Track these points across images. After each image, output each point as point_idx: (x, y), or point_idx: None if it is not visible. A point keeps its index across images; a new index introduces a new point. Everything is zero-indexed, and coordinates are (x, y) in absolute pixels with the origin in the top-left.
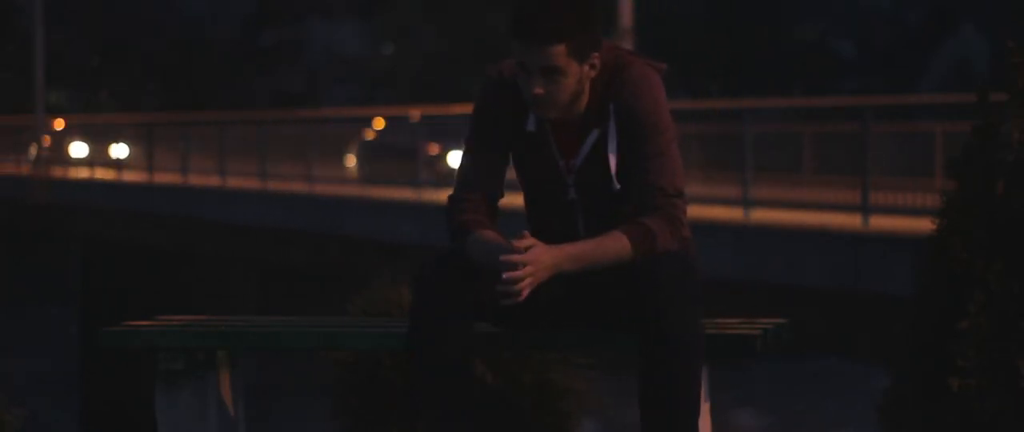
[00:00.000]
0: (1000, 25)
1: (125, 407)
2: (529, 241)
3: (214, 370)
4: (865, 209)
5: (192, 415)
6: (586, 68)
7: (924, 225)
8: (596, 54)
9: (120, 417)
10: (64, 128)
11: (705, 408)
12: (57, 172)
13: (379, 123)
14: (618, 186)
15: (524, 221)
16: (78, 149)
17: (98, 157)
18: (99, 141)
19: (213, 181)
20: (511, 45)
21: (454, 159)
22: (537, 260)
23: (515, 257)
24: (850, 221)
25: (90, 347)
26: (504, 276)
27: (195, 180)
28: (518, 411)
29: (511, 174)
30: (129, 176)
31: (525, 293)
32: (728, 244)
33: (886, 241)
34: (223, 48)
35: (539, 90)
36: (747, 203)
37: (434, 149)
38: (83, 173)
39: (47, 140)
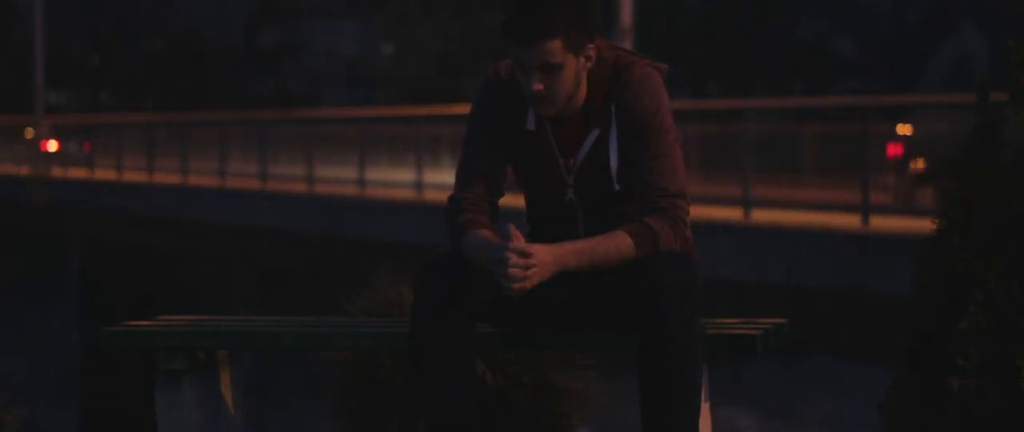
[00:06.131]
0: (1000, 24)
1: (125, 407)
2: (520, 242)
3: (214, 370)
4: (865, 209)
5: (192, 415)
6: (582, 60)
7: (924, 225)
8: (591, 45)
9: (120, 417)
10: None
11: (705, 408)
12: (57, 172)
13: (29, 132)
14: (618, 186)
15: (524, 221)
16: None
17: None
18: None
19: (213, 181)
20: (507, 46)
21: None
22: (539, 256)
23: (516, 256)
24: (850, 221)
25: (90, 347)
26: (509, 271)
27: (195, 180)
28: (518, 411)
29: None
30: (129, 176)
31: (528, 286)
32: (728, 244)
33: (886, 241)
34: (223, 48)
35: (538, 86)
36: (747, 203)
37: (53, 145)
38: (83, 173)
39: None
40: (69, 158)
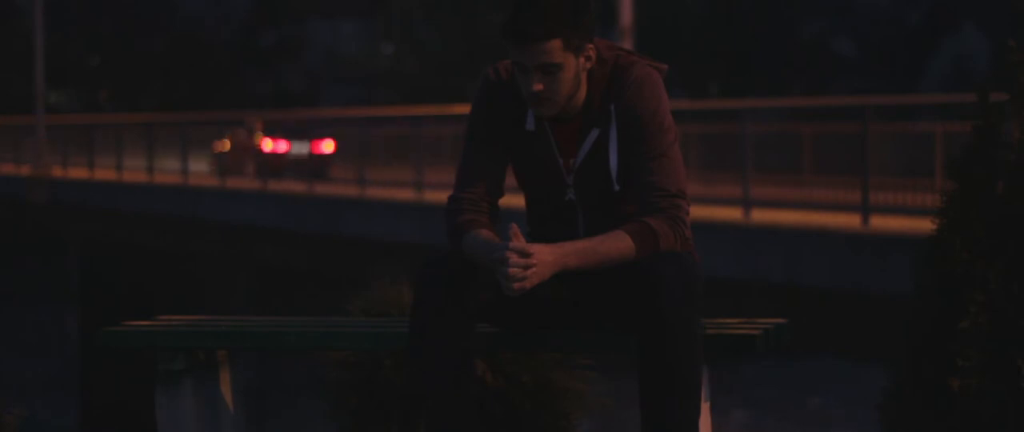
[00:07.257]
0: (1000, 25)
1: (125, 407)
2: (520, 242)
3: (214, 370)
4: (865, 209)
5: (192, 415)
6: (582, 60)
7: (924, 225)
8: (590, 45)
9: (120, 417)
10: None
11: (705, 408)
12: (57, 172)
13: None
14: (618, 186)
15: (524, 221)
16: None
17: None
18: None
19: (213, 181)
20: (506, 46)
21: None
22: (539, 255)
23: (516, 255)
24: (850, 221)
25: (90, 347)
26: (509, 271)
27: (195, 180)
28: (518, 411)
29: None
30: (129, 176)
31: (528, 285)
32: (728, 244)
33: (886, 241)
34: (223, 48)
35: (538, 86)
36: (747, 203)
37: None
38: (83, 173)
39: None
40: None
